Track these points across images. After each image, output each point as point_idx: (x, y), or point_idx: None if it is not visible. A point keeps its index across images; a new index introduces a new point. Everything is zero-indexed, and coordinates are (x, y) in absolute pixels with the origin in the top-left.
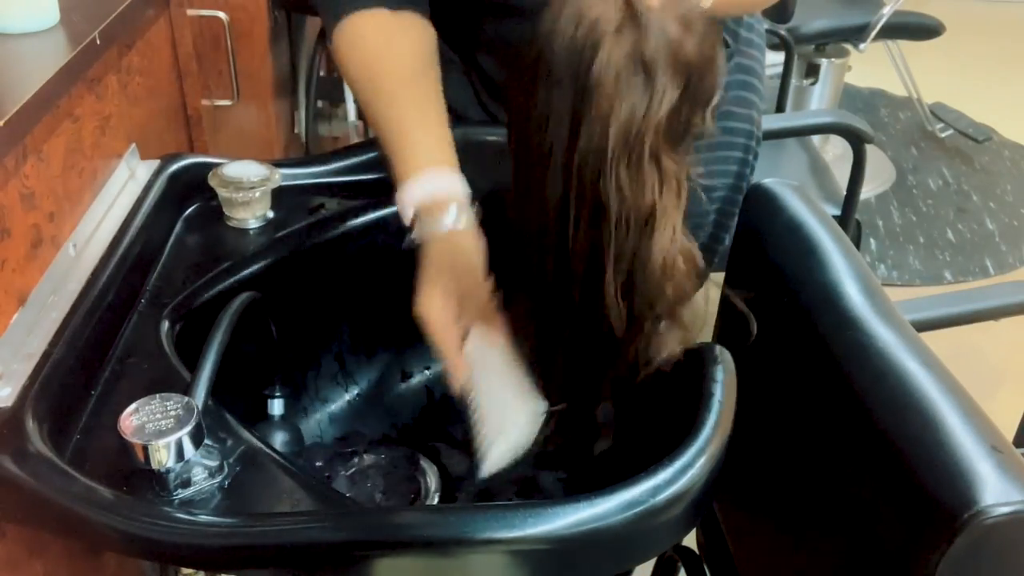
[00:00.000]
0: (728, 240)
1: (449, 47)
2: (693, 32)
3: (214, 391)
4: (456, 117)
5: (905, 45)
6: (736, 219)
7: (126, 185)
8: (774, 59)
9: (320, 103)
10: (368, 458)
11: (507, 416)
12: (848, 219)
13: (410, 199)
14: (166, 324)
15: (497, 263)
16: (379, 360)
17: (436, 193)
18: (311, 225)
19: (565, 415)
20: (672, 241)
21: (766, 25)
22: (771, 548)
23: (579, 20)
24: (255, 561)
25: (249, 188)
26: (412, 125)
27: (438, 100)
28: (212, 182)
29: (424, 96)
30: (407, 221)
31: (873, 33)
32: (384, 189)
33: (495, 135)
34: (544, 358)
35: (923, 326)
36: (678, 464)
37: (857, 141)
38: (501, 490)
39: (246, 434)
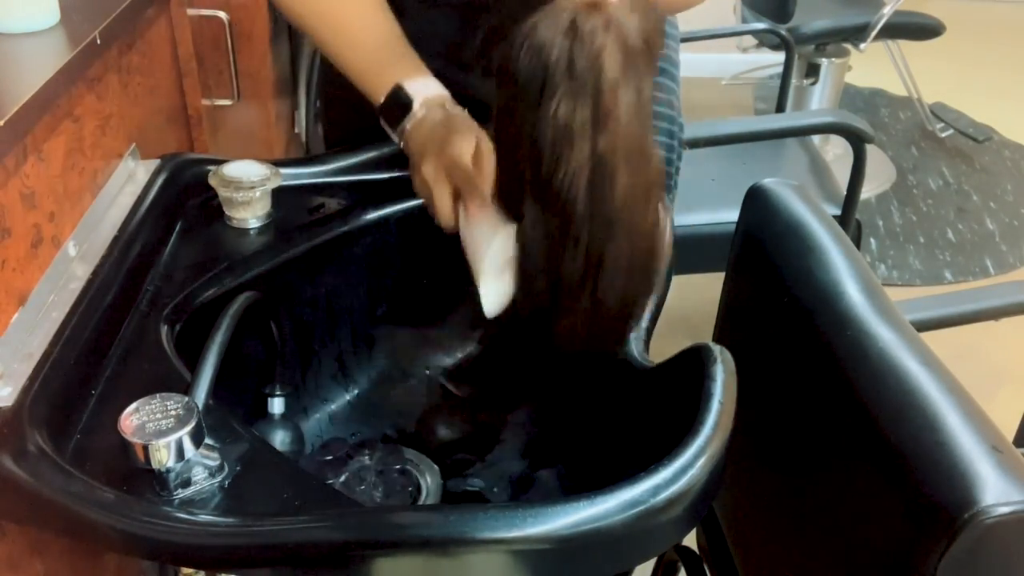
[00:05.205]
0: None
1: None
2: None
3: (214, 391)
4: None
5: (905, 45)
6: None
7: (126, 185)
8: (774, 59)
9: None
10: (368, 458)
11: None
12: (848, 219)
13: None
14: (166, 324)
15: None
16: (379, 360)
17: (424, 94)
18: (311, 225)
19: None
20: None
21: (766, 25)
22: (771, 548)
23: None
24: (255, 561)
25: (249, 188)
26: (383, 63)
27: (399, 32)
28: (212, 182)
29: (388, 33)
30: (396, 129)
31: (873, 33)
32: (385, 188)
33: None
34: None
35: (923, 326)
36: (678, 464)
37: (857, 141)
38: (499, 489)
39: (246, 434)
